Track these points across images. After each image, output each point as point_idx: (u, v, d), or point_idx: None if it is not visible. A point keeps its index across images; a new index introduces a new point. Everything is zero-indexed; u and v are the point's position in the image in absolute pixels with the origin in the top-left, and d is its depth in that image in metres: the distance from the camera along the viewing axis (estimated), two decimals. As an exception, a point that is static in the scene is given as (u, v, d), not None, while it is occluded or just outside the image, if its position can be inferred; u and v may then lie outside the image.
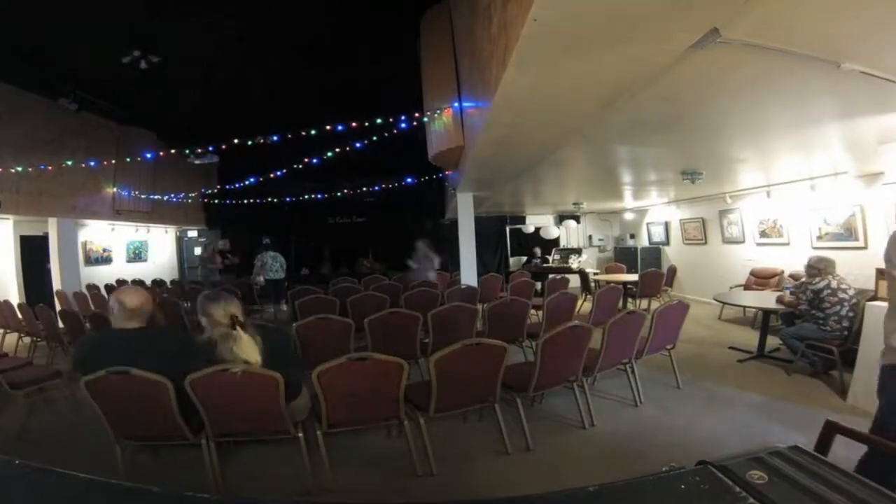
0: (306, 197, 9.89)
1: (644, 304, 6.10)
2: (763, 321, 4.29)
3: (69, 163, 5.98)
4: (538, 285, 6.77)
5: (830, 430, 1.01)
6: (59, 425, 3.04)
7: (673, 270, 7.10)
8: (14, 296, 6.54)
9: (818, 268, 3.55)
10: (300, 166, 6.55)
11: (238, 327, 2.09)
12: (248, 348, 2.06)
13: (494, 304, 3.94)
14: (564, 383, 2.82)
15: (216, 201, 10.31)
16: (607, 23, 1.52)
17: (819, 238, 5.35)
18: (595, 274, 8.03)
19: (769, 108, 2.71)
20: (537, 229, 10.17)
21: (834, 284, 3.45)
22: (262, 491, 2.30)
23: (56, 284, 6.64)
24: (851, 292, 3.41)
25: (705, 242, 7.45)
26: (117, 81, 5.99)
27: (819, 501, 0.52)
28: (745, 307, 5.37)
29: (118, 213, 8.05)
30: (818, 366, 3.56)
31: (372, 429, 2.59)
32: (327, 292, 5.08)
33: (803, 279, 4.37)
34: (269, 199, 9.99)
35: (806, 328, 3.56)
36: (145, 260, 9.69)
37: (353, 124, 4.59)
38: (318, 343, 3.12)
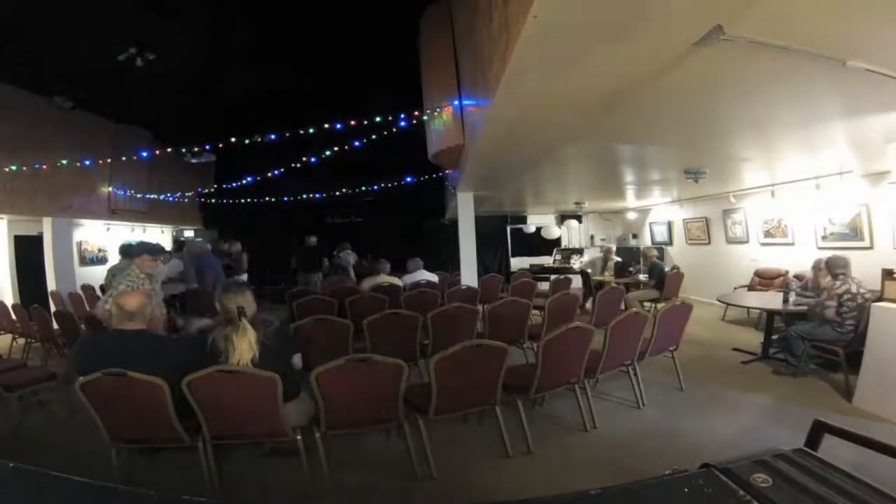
0: (304, 196, 9.85)
1: (647, 304, 6.06)
2: (767, 322, 4.26)
3: (64, 162, 5.92)
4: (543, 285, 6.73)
5: (819, 430, 0.98)
6: (54, 428, 3.01)
7: (678, 277, 6.58)
8: (8, 296, 6.49)
9: (840, 270, 3.47)
10: (298, 165, 6.50)
11: (242, 318, 2.14)
12: (244, 341, 2.10)
13: (495, 305, 3.90)
14: (566, 385, 2.79)
15: (213, 201, 10.27)
16: (609, 19, 1.50)
17: (824, 238, 5.32)
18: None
19: (773, 106, 2.68)
20: (538, 229, 10.13)
21: (854, 289, 3.38)
22: (259, 494, 2.27)
23: (51, 285, 6.58)
24: (868, 296, 3.36)
25: (709, 242, 7.42)
26: (113, 79, 5.93)
27: None
28: (748, 308, 5.34)
29: (114, 212, 8.00)
30: (812, 366, 3.54)
31: (371, 431, 2.57)
32: (326, 293, 5.04)
33: (808, 279, 4.33)
34: (267, 199, 9.94)
35: (820, 329, 3.50)
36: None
37: (352, 123, 4.55)
38: (316, 345, 3.08)
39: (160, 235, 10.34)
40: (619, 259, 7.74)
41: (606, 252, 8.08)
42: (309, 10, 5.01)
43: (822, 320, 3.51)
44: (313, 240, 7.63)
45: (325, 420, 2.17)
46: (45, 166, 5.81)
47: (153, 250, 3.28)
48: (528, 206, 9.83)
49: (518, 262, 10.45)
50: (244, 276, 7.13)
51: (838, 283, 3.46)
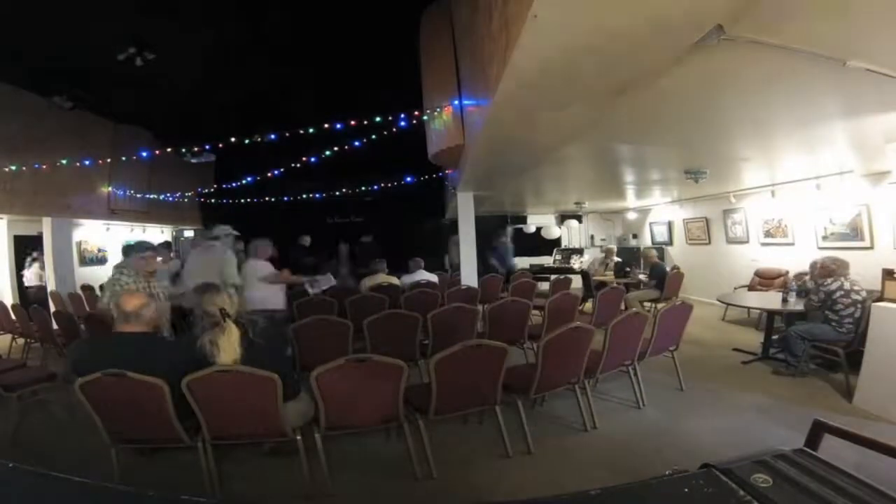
0: (304, 196, 9.85)
1: (647, 304, 6.06)
2: (767, 322, 4.25)
3: (64, 161, 5.92)
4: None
5: (819, 430, 0.98)
6: (53, 428, 3.00)
7: (679, 277, 6.56)
8: (8, 297, 6.49)
9: (831, 268, 3.51)
10: (298, 165, 6.50)
11: (227, 319, 2.14)
12: (228, 342, 2.09)
13: (495, 305, 3.90)
14: (566, 385, 2.79)
15: (213, 201, 10.26)
16: (610, 20, 1.49)
17: (824, 238, 5.32)
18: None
19: (774, 105, 2.68)
20: (538, 229, 10.13)
21: (847, 286, 3.40)
22: (259, 494, 2.27)
23: (50, 285, 6.58)
24: (864, 294, 3.37)
25: (709, 242, 7.41)
26: (113, 79, 5.93)
27: None
28: (749, 308, 5.33)
29: (113, 212, 8.00)
30: (812, 367, 3.54)
31: (371, 431, 2.55)
32: (325, 293, 5.03)
33: (806, 278, 4.34)
34: (267, 199, 9.94)
35: (820, 329, 3.51)
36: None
37: (352, 123, 4.55)
38: (316, 345, 3.08)
39: (160, 235, 10.34)
40: (619, 259, 7.76)
41: (607, 252, 8.10)
42: (309, 10, 5.00)
43: (822, 319, 3.52)
44: (307, 240, 7.64)
45: (324, 420, 2.17)
46: (44, 166, 5.80)
47: (140, 248, 3.37)
48: (528, 206, 9.83)
49: (518, 262, 10.44)
50: None
51: (829, 280, 3.48)
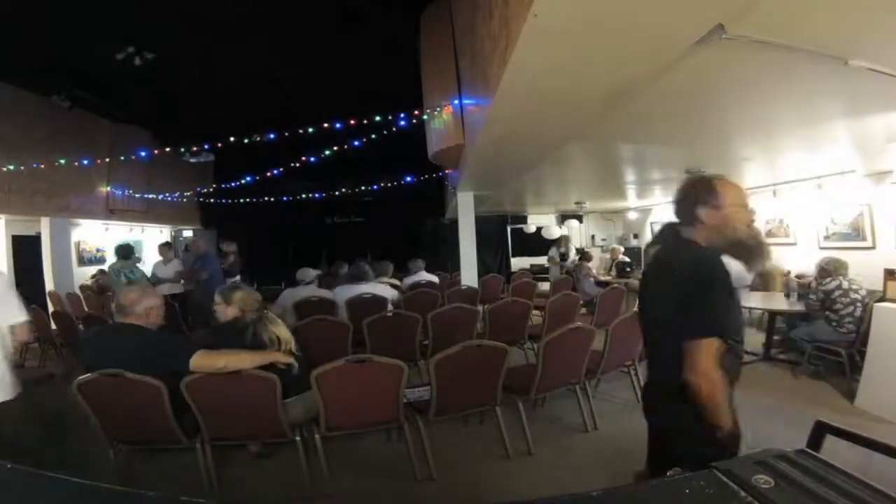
0: (304, 196, 9.84)
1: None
2: (769, 323, 4.24)
3: (62, 161, 5.90)
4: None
5: (820, 431, 0.98)
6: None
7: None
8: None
9: (828, 269, 3.53)
10: (298, 165, 6.49)
11: (266, 310, 2.42)
12: (282, 328, 2.35)
13: (495, 306, 3.89)
14: (567, 386, 2.78)
15: (212, 201, 10.25)
16: (610, 19, 1.48)
17: (826, 238, 5.30)
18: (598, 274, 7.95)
19: (775, 105, 2.66)
20: (539, 229, 10.12)
21: (845, 285, 3.41)
22: (259, 495, 2.26)
23: (49, 285, 6.56)
24: (863, 293, 3.38)
25: (709, 242, 7.37)
26: (112, 78, 5.92)
27: None
28: (750, 308, 5.32)
29: (112, 212, 7.98)
30: (821, 368, 3.53)
31: (371, 432, 2.55)
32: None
33: (809, 279, 4.35)
34: (266, 199, 9.93)
35: (820, 329, 3.51)
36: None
37: (352, 122, 4.54)
38: (316, 345, 3.07)
39: (159, 235, 10.33)
40: (627, 259, 7.68)
41: (613, 252, 8.00)
42: (308, 9, 4.99)
43: (826, 321, 3.52)
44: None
45: (324, 421, 2.17)
46: (43, 166, 5.79)
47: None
48: (529, 206, 9.82)
49: (518, 262, 10.45)
50: (237, 279, 7.13)
51: (827, 280, 3.50)
